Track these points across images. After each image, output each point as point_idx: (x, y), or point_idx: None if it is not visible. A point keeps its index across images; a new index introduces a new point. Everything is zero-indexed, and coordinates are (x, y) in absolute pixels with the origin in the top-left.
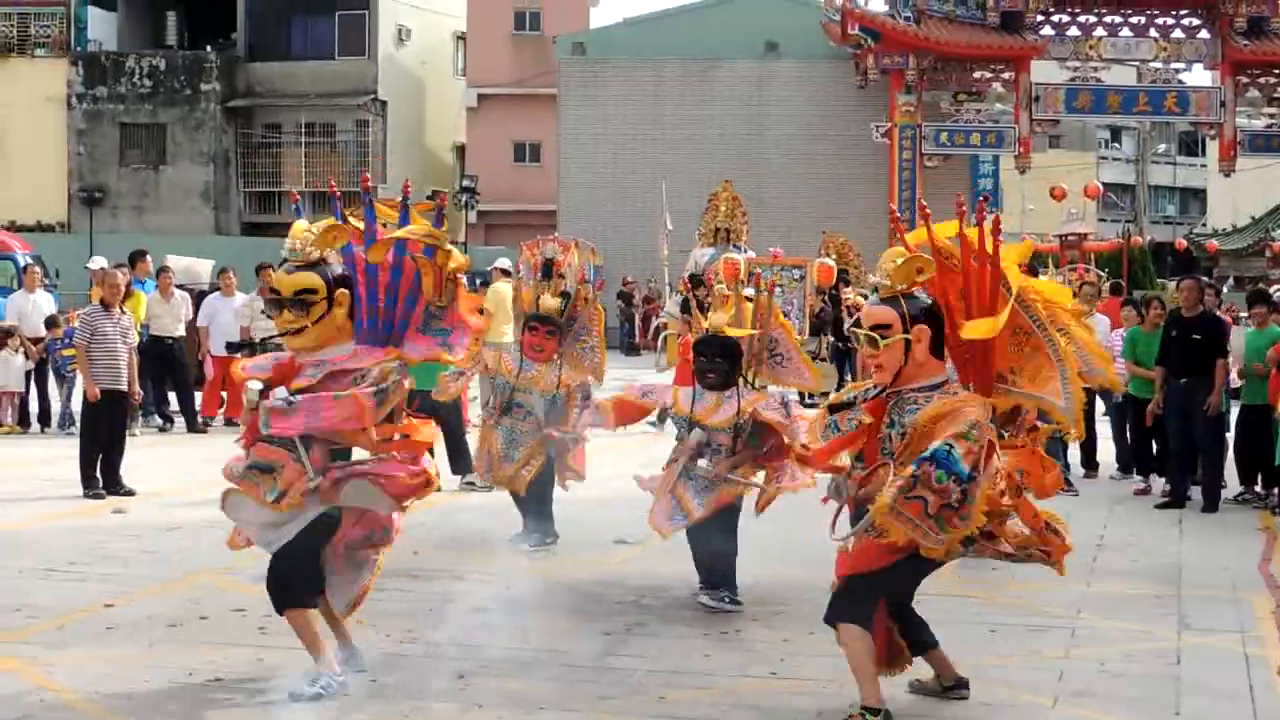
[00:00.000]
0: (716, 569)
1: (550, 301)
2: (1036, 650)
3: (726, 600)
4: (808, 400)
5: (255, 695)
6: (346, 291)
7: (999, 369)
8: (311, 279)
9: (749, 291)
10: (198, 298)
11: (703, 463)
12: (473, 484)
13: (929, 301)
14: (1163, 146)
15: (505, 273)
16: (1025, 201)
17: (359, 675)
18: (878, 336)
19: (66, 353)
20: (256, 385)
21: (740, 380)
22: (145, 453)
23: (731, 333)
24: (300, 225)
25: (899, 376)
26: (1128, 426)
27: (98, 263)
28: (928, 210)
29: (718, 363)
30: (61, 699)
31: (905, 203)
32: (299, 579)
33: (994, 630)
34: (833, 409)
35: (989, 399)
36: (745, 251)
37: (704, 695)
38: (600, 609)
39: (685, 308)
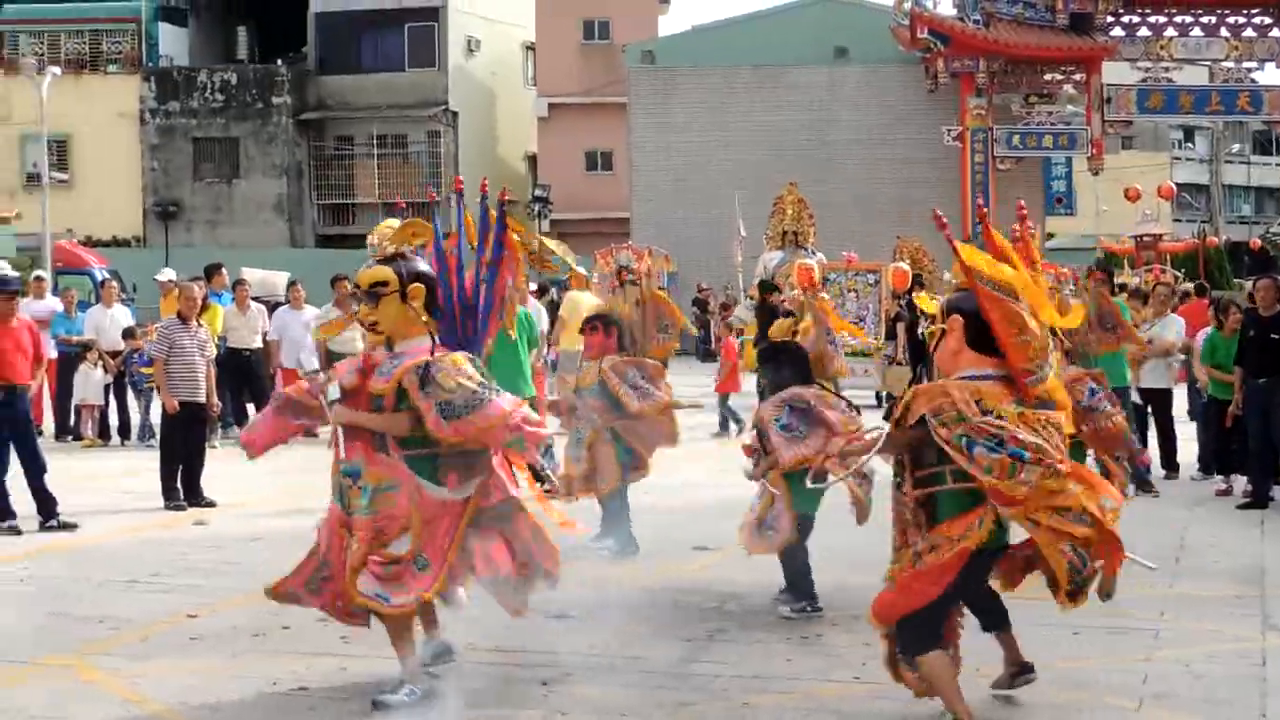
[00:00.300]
0: (786, 573)
1: (602, 299)
2: (1119, 652)
3: (808, 609)
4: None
5: (339, 704)
6: (422, 286)
7: (1021, 365)
8: (384, 272)
9: (823, 296)
10: (273, 310)
11: (745, 464)
12: (551, 492)
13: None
14: (1237, 146)
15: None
16: (1099, 203)
17: (442, 682)
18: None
19: (145, 370)
20: (335, 391)
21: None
22: (225, 464)
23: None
24: (384, 222)
25: (941, 367)
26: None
27: (166, 275)
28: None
29: (769, 368)
30: (146, 710)
31: (979, 206)
32: None
33: (1077, 633)
34: None
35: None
36: (813, 254)
37: (786, 700)
38: (681, 615)
39: (760, 312)
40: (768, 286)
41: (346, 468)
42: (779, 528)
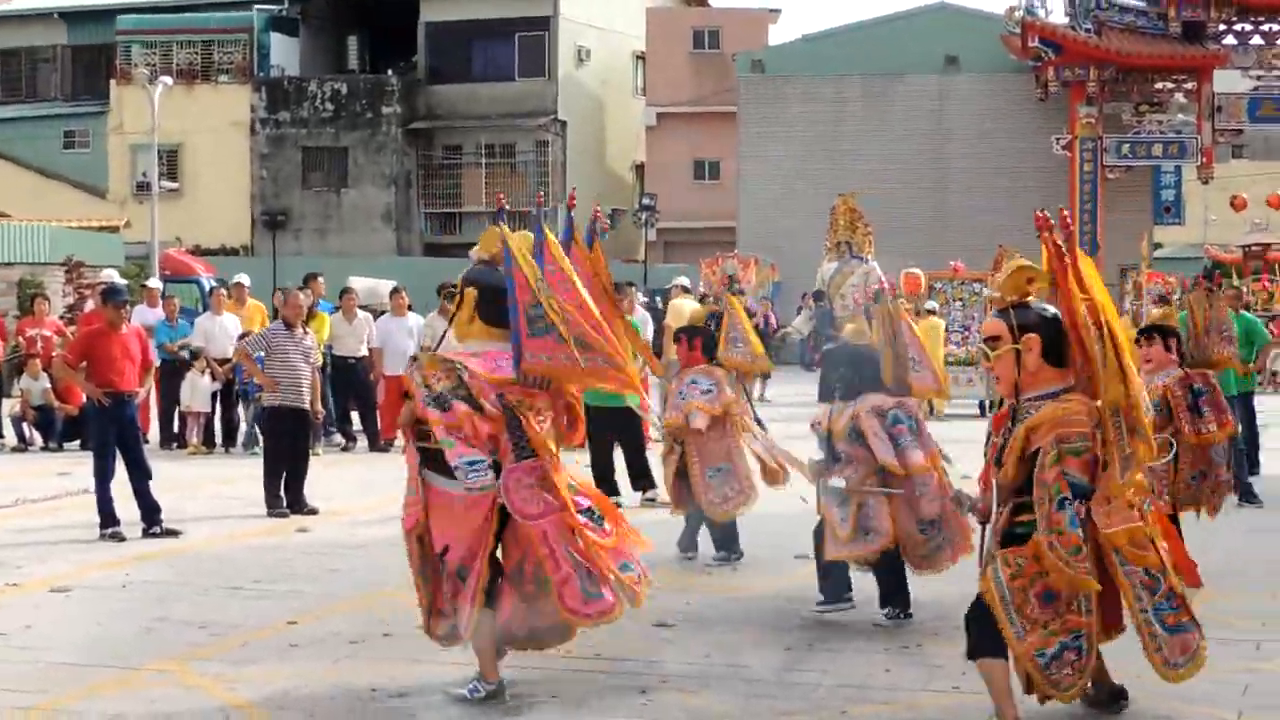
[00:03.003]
0: (885, 581)
1: (697, 311)
2: (1219, 663)
3: (901, 616)
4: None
5: (438, 712)
6: (473, 291)
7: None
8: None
9: (931, 304)
10: (379, 318)
11: (835, 481)
12: (653, 500)
13: (1046, 311)
14: None
15: (685, 289)
16: (1208, 212)
17: (540, 690)
18: (988, 350)
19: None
20: None
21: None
22: (328, 471)
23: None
24: (489, 229)
25: (1020, 387)
26: None
27: (241, 279)
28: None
29: (841, 372)
30: (247, 716)
31: (1087, 215)
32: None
33: None
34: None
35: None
36: (867, 262)
37: (886, 710)
38: (781, 624)
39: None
40: (821, 296)
41: None
42: (880, 530)
